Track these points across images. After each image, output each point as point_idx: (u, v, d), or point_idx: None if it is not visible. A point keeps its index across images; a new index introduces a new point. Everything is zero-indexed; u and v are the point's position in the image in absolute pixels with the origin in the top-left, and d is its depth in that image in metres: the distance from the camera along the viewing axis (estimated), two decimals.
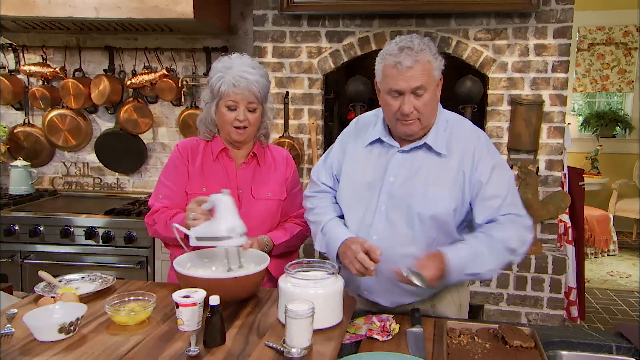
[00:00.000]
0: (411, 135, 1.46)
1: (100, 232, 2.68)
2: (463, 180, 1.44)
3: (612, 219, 4.98)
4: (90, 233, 2.67)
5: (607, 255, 4.97)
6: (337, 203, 1.61)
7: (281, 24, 2.80)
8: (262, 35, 2.82)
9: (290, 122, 2.87)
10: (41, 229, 2.70)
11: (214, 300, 1.14)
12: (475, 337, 1.37)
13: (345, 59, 2.77)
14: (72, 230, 2.70)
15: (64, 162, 3.37)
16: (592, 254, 4.91)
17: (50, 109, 3.25)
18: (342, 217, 1.58)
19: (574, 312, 2.92)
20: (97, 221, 2.70)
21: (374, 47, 2.74)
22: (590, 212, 4.80)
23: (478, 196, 1.44)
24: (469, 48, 2.66)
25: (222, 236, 1.39)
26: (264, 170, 1.73)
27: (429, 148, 1.46)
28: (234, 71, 1.57)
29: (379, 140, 1.52)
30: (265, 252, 1.59)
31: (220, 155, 1.69)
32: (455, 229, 1.48)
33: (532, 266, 2.59)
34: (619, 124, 5.84)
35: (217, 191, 1.49)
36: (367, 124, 1.59)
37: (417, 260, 1.33)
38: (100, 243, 2.68)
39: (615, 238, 5.02)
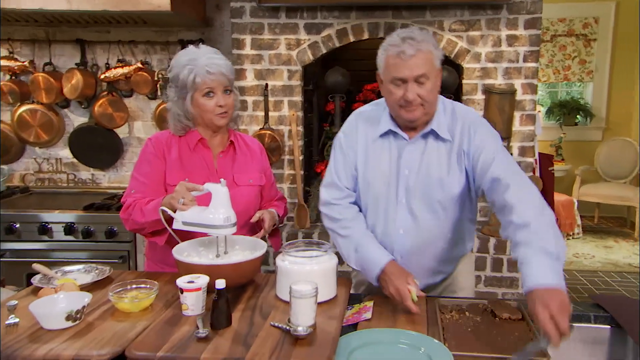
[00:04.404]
0: (414, 122, 1.49)
1: (80, 227, 2.64)
2: (464, 157, 1.50)
3: (576, 203, 5.20)
4: (69, 229, 2.63)
5: (572, 238, 5.20)
6: (360, 211, 1.62)
7: (259, 16, 2.81)
8: (240, 27, 2.83)
9: (270, 114, 2.89)
10: (17, 226, 2.64)
11: (220, 283, 1.16)
12: (466, 312, 1.44)
13: (324, 51, 2.81)
14: (49, 226, 2.65)
15: (35, 159, 3.29)
16: None
17: (19, 104, 3.16)
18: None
19: None
20: (76, 217, 2.66)
21: (351, 39, 2.78)
22: (556, 197, 4.98)
23: (478, 166, 1.47)
24: (444, 39, 2.73)
25: (218, 224, 1.43)
26: (242, 157, 1.78)
27: (435, 135, 1.51)
28: (203, 60, 1.59)
29: (389, 132, 1.54)
30: (275, 224, 1.72)
31: (197, 146, 1.71)
32: (475, 200, 1.59)
33: (507, 248, 2.70)
34: (580, 112, 6.08)
35: (200, 181, 1.54)
36: (371, 118, 1.59)
37: (545, 324, 1.13)
38: (80, 239, 2.65)
39: (579, 222, 5.25)
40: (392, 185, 1.53)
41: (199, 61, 1.59)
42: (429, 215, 1.52)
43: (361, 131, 1.59)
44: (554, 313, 1.12)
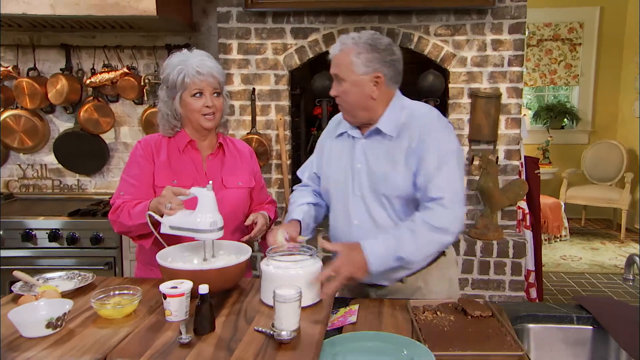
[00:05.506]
0: (349, 120, 1.60)
1: (65, 234, 2.62)
2: (413, 157, 1.52)
3: (563, 206, 5.25)
4: (54, 235, 2.60)
5: (560, 240, 5.24)
6: (315, 194, 1.76)
7: (246, 20, 2.81)
8: (226, 32, 2.82)
9: (258, 118, 2.88)
10: (0, 233, 2.61)
11: (204, 289, 1.16)
12: (438, 312, 1.43)
13: (311, 55, 2.82)
14: (34, 233, 2.62)
15: (19, 165, 3.26)
16: (546, 239, 5.17)
17: (2, 109, 3.13)
18: (315, 204, 1.74)
19: (533, 293, 3.08)
20: (61, 223, 2.64)
21: None
22: (543, 200, 5.02)
23: (418, 171, 1.51)
24: (430, 43, 2.75)
25: (204, 229, 1.42)
26: (231, 160, 1.78)
27: (380, 133, 1.56)
28: (194, 62, 1.62)
29: (347, 133, 1.64)
30: (267, 226, 1.72)
31: (187, 148, 1.71)
32: None
33: (494, 251, 2.72)
34: (566, 115, 6.15)
35: (188, 183, 1.54)
36: (337, 120, 1.71)
37: (335, 260, 1.42)
38: (65, 245, 2.62)
39: (566, 224, 5.29)
40: (348, 178, 1.61)
41: (189, 62, 1.62)
42: (380, 208, 1.57)
43: (330, 133, 1.72)
44: (339, 266, 1.38)
